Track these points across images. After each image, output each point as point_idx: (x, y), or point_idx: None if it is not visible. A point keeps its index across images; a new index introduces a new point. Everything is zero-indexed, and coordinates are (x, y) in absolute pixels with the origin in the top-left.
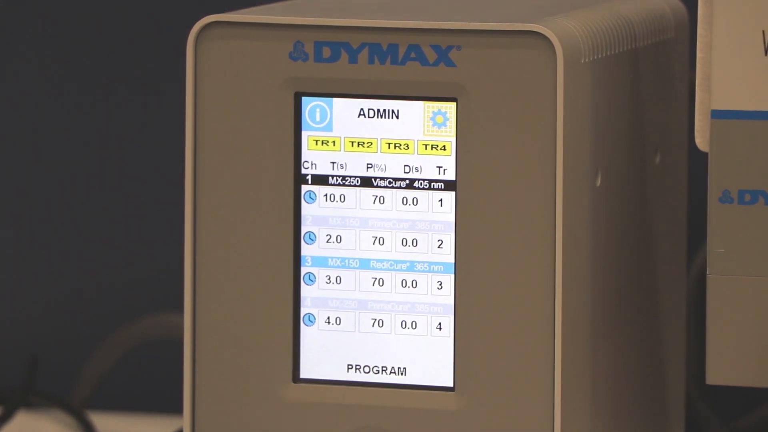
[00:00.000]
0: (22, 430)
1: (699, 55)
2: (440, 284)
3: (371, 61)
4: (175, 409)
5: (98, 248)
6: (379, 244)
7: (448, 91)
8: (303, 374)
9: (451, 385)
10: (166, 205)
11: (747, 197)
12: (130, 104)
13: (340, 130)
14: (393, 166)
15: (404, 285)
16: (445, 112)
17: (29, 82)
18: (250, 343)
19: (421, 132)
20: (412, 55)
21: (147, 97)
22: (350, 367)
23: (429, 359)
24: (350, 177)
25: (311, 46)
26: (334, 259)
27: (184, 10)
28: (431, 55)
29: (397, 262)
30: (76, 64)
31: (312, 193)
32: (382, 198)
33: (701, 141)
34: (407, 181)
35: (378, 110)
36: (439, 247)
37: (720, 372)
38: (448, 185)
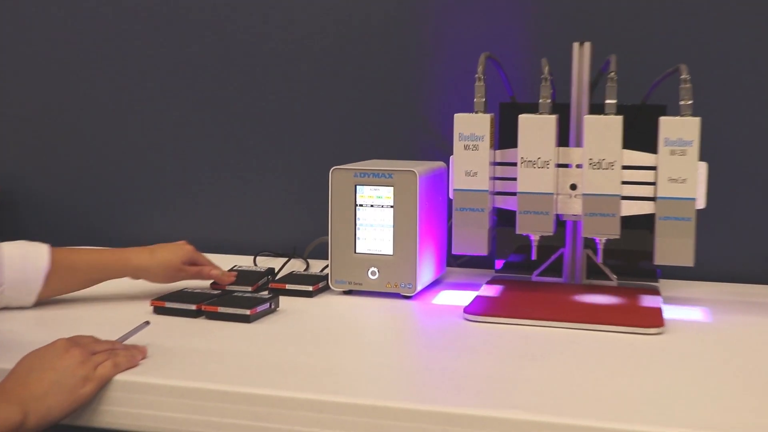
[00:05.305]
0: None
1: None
2: (390, 228)
3: (375, 176)
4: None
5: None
6: (375, 218)
7: (391, 183)
8: (357, 251)
9: (392, 253)
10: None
11: (465, 210)
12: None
13: (367, 194)
14: (379, 202)
15: (382, 230)
16: (391, 189)
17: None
18: (343, 239)
19: (390, 194)
20: (387, 175)
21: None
22: (369, 249)
23: (387, 246)
24: (368, 205)
25: (359, 172)
26: (365, 223)
27: (329, 159)
28: (388, 174)
29: (381, 225)
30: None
31: (360, 209)
32: (379, 210)
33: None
34: (383, 206)
35: (376, 189)
36: (391, 219)
37: (459, 247)
38: (391, 207)
